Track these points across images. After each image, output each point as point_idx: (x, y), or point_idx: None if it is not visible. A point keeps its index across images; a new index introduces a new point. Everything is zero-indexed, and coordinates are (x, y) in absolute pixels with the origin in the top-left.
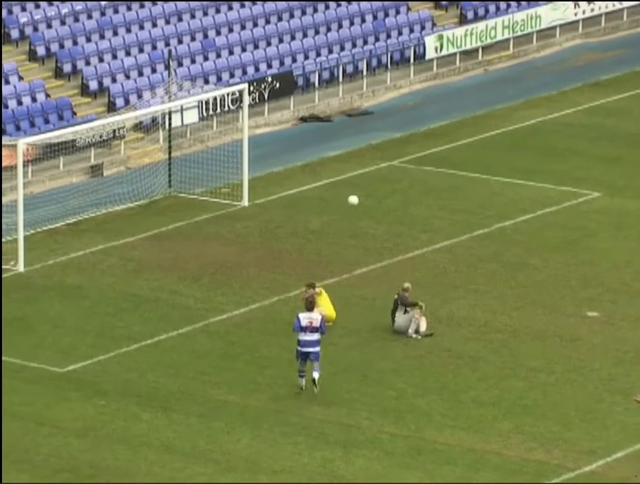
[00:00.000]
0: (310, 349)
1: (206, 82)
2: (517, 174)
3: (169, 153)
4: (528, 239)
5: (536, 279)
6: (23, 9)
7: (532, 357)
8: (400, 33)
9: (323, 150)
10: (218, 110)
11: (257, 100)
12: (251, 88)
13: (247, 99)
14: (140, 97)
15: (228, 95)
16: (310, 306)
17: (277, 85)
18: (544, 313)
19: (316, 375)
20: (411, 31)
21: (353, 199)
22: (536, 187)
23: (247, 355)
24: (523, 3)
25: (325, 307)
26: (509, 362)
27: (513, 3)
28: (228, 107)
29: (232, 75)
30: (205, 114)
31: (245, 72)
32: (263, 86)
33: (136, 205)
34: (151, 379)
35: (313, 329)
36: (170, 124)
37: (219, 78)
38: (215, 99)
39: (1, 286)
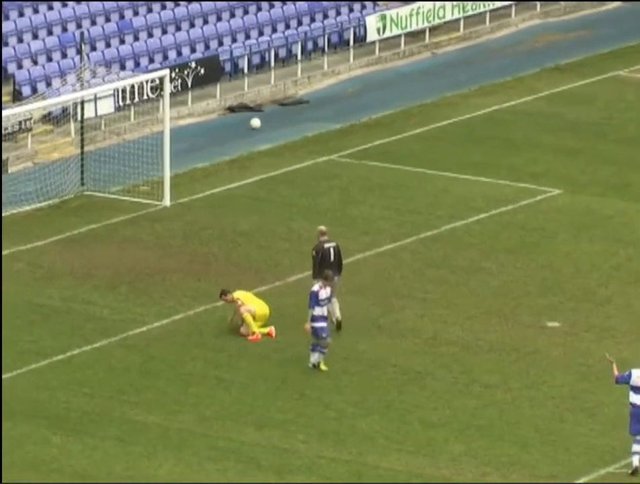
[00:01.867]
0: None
1: (123, 68)
2: (469, 169)
3: (82, 147)
4: (482, 241)
5: (490, 286)
6: None
7: (487, 372)
8: (338, 13)
9: (252, 143)
10: (136, 99)
11: (179, 88)
12: (173, 74)
13: (168, 87)
14: (49, 84)
15: (147, 82)
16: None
17: (202, 70)
18: (500, 323)
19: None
20: (351, 10)
21: (255, 123)
22: (490, 183)
23: (170, 371)
24: None
25: (256, 304)
26: (461, 378)
27: None
28: (148, 95)
29: (151, 60)
30: (121, 104)
31: (165, 57)
32: (186, 72)
33: (45, 205)
34: (63, 399)
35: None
36: (82, 115)
37: (137, 64)
38: (133, 87)
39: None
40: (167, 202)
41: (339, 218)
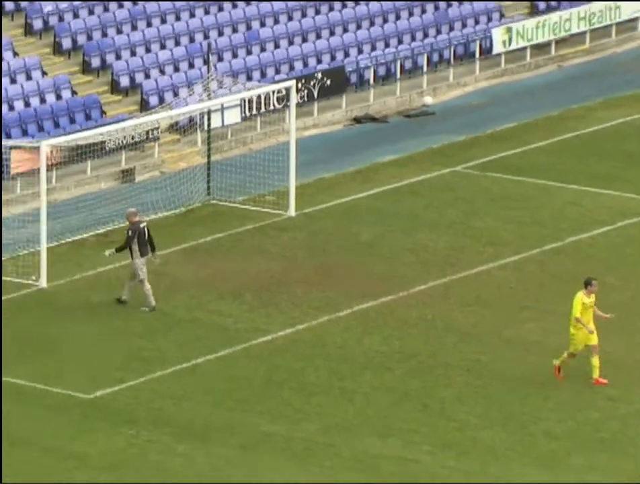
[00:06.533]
0: None
1: (249, 78)
2: (594, 181)
3: (208, 157)
4: (606, 255)
5: (615, 301)
6: None
7: (610, 385)
8: (464, 25)
9: (377, 154)
10: (263, 109)
11: (305, 98)
12: (299, 85)
13: (294, 98)
14: (176, 94)
15: (273, 93)
16: None
17: (328, 81)
18: (625, 337)
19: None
20: (477, 22)
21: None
22: (615, 196)
23: (293, 381)
24: None
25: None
26: (585, 391)
27: None
28: (274, 106)
29: (277, 71)
30: (248, 114)
31: (292, 68)
32: (312, 83)
33: (171, 214)
34: (187, 408)
35: None
36: (209, 125)
37: (263, 75)
38: (259, 97)
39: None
40: (292, 212)
41: (463, 229)
